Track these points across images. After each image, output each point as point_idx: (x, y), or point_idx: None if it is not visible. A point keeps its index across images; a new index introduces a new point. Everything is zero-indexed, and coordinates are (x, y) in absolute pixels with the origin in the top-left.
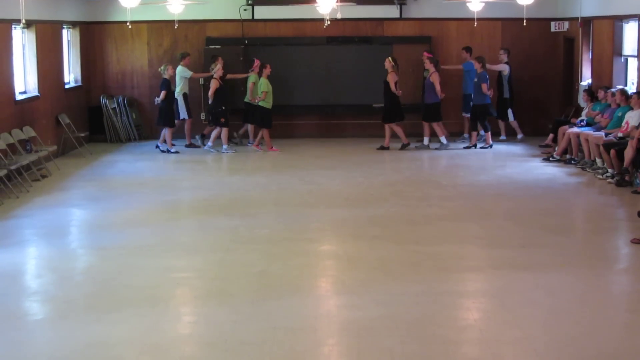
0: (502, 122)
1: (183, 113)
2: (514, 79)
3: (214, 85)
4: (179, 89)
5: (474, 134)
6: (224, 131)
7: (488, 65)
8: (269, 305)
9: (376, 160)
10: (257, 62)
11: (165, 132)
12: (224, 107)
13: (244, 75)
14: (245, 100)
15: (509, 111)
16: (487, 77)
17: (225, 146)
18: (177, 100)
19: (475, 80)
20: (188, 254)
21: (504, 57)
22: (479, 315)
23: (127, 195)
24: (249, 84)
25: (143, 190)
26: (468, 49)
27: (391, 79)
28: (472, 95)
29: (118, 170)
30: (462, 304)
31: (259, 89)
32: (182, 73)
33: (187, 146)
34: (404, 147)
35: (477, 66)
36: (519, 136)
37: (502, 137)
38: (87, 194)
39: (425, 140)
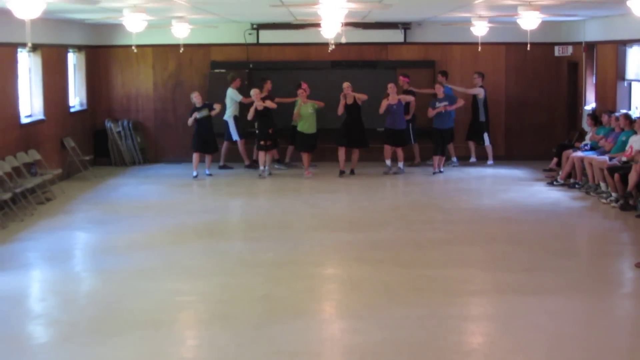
0: (473, 144)
1: (235, 135)
2: (519, 103)
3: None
4: (230, 112)
5: (441, 158)
6: (260, 154)
7: (463, 89)
8: (272, 329)
9: (380, 184)
10: (304, 85)
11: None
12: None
13: (292, 100)
14: (293, 124)
15: (485, 135)
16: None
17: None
18: (227, 122)
19: (444, 104)
20: (192, 277)
21: (479, 81)
22: (483, 340)
23: (131, 219)
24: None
25: (147, 214)
26: (444, 73)
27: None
28: (438, 121)
29: (122, 194)
30: (467, 328)
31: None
32: (233, 96)
33: (248, 166)
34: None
35: (439, 90)
36: (490, 162)
37: (472, 159)
38: (91, 217)
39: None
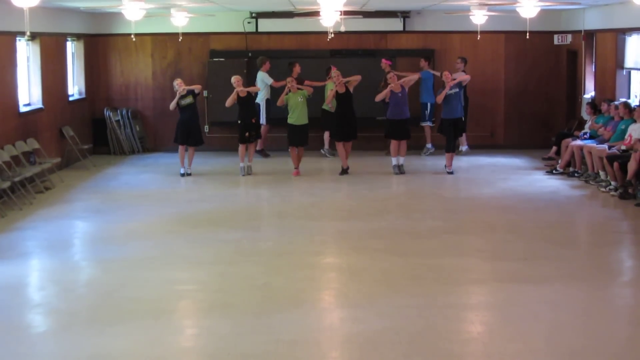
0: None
1: (262, 119)
2: (518, 92)
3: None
4: (262, 95)
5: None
6: (241, 148)
7: (454, 75)
8: (271, 318)
9: (380, 173)
10: (333, 69)
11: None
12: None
13: (322, 83)
14: (324, 107)
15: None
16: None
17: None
18: (259, 104)
19: (454, 91)
20: (191, 266)
21: (461, 66)
22: (482, 329)
23: (130, 208)
24: (328, 92)
25: (146, 203)
26: (427, 58)
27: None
28: (448, 109)
29: (121, 183)
30: (466, 317)
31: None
32: (264, 79)
33: (258, 152)
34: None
35: (447, 78)
36: (464, 147)
37: (465, 147)
38: (90, 206)
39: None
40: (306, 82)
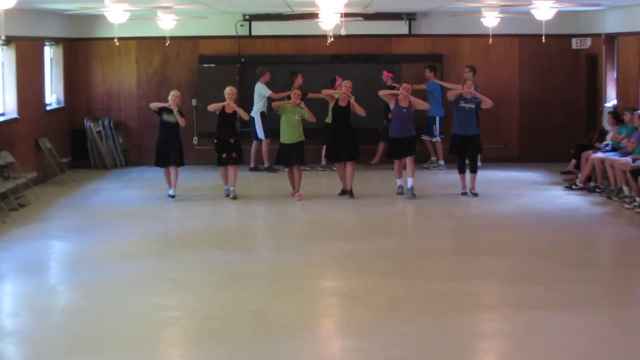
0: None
1: (260, 133)
2: (533, 100)
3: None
4: (257, 108)
5: (472, 175)
6: (222, 170)
7: (453, 86)
8: (266, 347)
9: (384, 187)
10: (339, 80)
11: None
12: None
13: (323, 95)
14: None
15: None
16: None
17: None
18: (253, 119)
19: (467, 105)
20: (178, 291)
21: (469, 76)
22: (497, 359)
23: (112, 227)
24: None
25: (130, 221)
26: (432, 68)
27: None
28: (461, 125)
29: (103, 199)
30: (479, 346)
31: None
32: (260, 91)
33: (267, 169)
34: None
35: (469, 87)
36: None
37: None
38: (69, 225)
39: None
40: (310, 95)
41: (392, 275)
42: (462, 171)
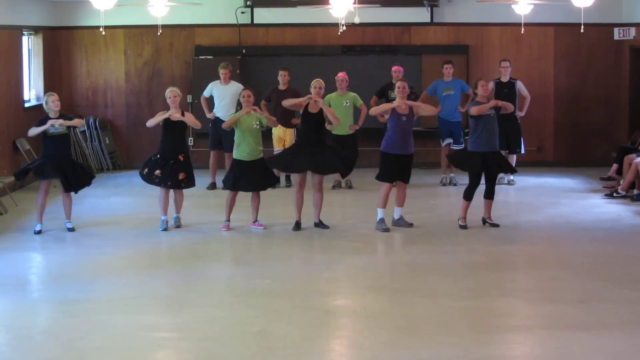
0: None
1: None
2: (570, 97)
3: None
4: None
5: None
6: (162, 193)
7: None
8: None
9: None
10: (340, 75)
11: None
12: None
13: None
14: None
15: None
16: None
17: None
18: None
19: (493, 113)
20: (172, 309)
21: (508, 71)
22: None
23: (98, 238)
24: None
25: (118, 232)
26: (450, 62)
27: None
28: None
29: (88, 208)
30: None
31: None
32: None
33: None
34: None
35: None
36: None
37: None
38: (50, 236)
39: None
40: (285, 103)
41: (409, 292)
42: (470, 197)
